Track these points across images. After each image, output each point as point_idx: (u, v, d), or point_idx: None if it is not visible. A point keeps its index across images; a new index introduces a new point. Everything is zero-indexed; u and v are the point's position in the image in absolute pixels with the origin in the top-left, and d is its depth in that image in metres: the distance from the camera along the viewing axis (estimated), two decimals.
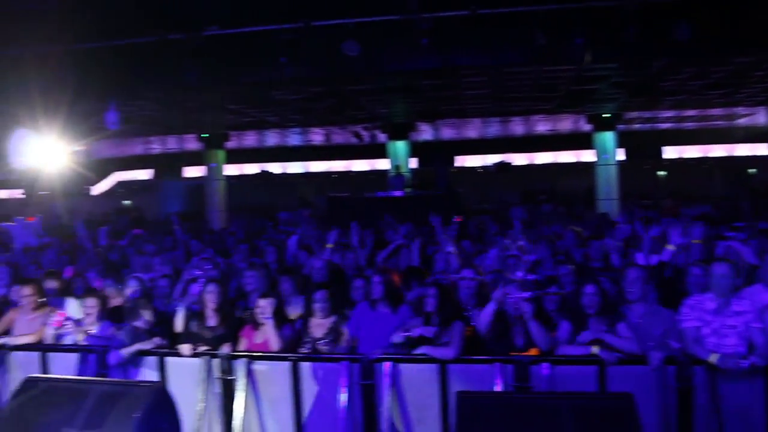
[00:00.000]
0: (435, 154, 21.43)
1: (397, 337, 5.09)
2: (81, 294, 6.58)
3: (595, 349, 4.68)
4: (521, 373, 4.76)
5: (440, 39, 8.42)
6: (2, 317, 6.05)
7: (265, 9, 8.15)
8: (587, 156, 20.08)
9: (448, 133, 21.32)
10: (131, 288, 6.36)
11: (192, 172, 23.64)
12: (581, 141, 19.86)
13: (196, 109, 13.79)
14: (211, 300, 5.56)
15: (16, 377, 5.59)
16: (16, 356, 5.69)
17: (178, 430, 3.72)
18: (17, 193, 28.33)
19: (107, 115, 10.07)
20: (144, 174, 27.03)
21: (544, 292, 5.32)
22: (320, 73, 9.38)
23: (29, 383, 3.80)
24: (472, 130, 20.85)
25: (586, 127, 17.93)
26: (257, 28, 8.31)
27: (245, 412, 5.18)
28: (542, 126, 20.40)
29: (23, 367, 5.62)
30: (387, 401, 4.95)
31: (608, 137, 17.44)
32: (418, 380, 4.99)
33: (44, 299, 6.03)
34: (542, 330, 4.89)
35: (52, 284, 6.53)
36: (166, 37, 8.50)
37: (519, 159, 23.16)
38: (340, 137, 20.97)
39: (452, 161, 23.19)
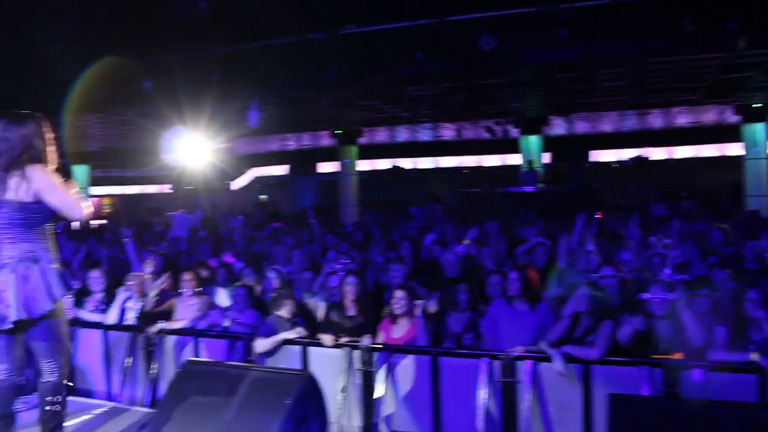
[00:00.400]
0: (569, 149, 20.83)
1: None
2: (226, 283, 6.95)
3: (754, 357, 4.38)
4: (671, 378, 4.54)
5: (578, 30, 8.15)
6: (163, 303, 6.48)
7: (400, 6, 8.23)
8: (733, 149, 18.80)
9: (582, 126, 20.64)
10: (272, 279, 6.60)
11: (326, 167, 24.22)
12: (726, 133, 18.59)
13: (331, 106, 14.14)
14: (350, 292, 5.70)
15: (172, 359, 6.02)
16: (172, 340, 6.07)
17: (324, 418, 3.85)
18: (165, 188, 30.27)
19: (249, 113, 10.54)
20: (280, 170, 28.01)
21: (694, 293, 5.02)
22: (456, 68, 9.35)
23: (189, 365, 4.07)
24: (608, 123, 20.06)
25: (733, 118, 16.77)
26: (393, 25, 8.39)
27: (384, 405, 5.27)
28: (683, 118, 19.30)
29: (178, 350, 6.03)
30: (527, 400, 4.88)
31: (759, 129, 16.23)
32: (560, 380, 4.88)
33: (201, 288, 6.42)
34: (701, 332, 4.63)
35: (203, 273, 6.90)
36: (306, 37, 8.75)
37: (657, 153, 22.04)
38: (470, 132, 20.81)
39: (587, 156, 22.45)
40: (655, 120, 19.63)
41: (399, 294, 5.49)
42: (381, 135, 21.97)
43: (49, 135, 3.50)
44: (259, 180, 29.90)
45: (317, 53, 9.08)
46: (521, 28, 8.50)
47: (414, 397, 5.27)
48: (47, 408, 3.49)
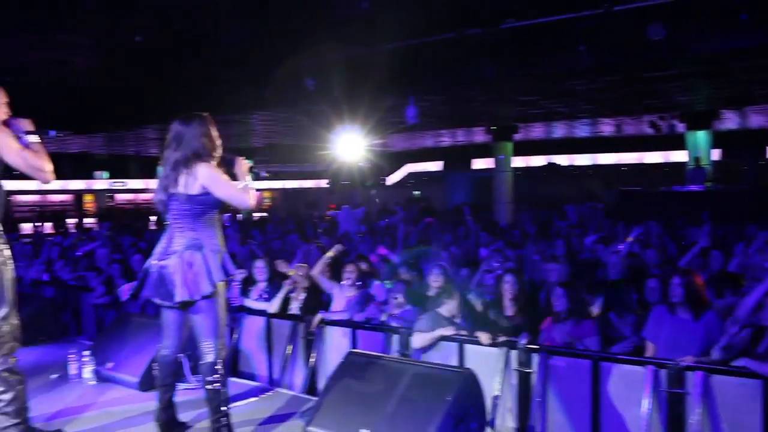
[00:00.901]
0: (742, 145, 19.34)
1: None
2: (386, 277, 7.07)
3: None
4: None
5: (761, 13, 7.47)
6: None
7: None
8: None
9: (757, 120, 19.08)
10: (436, 276, 6.59)
11: (480, 163, 24.09)
12: None
13: (488, 102, 14.01)
14: (509, 290, 5.60)
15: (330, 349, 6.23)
16: (331, 330, 6.27)
17: (483, 416, 3.81)
18: (322, 183, 31.46)
19: (407, 110, 10.67)
20: (434, 166, 28.20)
21: None
22: (621, 61, 8.91)
23: (352, 357, 4.18)
24: None
25: None
26: (555, 17, 8.15)
27: (541, 407, 5.14)
28: None
29: (336, 341, 6.22)
30: (697, 414, 4.57)
31: None
32: (735, 395, 4.52)
33: (361, 281, 6.60)
34: None
35: (363, 267, 7.07)
36: (463, 33, 8.71)
37: None
38: (631, 128, 19.91)
39: (763, 152, 20.73)
40: None
41: (559, 292, 5.33)
42: (537, 131, 21.52)
43: (215, 133, 3.81)
44: (412, 176, 30.31)
45: (476, 49, 9.01)
46: (694, 15, 7.94)
47: (572, 401, 5.09)
48: (208, 387, 3.72)
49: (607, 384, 4.95)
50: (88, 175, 32.15)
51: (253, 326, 6.75)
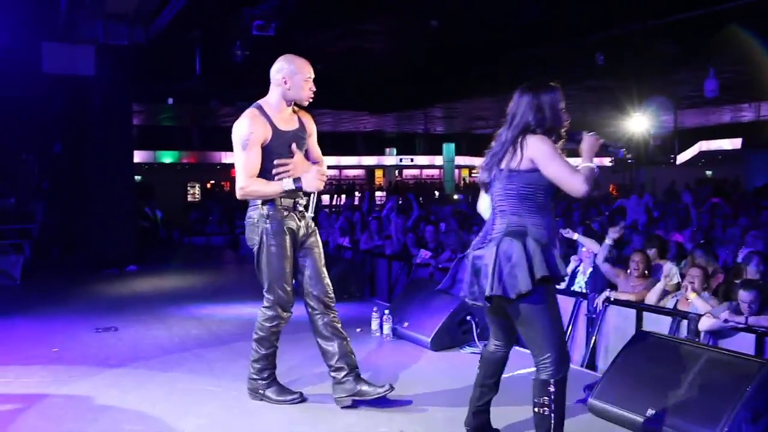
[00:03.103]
0: None
1: None
2: (676, 260, 6.79)
3: None
4: None
5: None
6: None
7: None
8: None
9: None
10: (753, 264, 6.16)
11: None
12: None
13: None
14: None
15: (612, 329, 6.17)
16: (614, 310, 6.21)
17: None
18: (604, 161, 30.38)
19: (706, 83, 9.94)
20: (729, 143, 25.74)
21: None
22: None
23: (642, 335, 4.16)
24: None
25: None
26: None
27: None
28: None
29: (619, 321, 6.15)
30: None
31: None
32: None
33: (648, 269, 6.43)
34: None
35: (651, 250, 6.84)
36: None
37: None
38: None
39: None
40: None
41: None
42: None
43: (559, 104, 3.24)
44: (704, 154, 27.99)
45: None
46: None
47: None
48: (536, 410, 3.10)
49: None
50: (380, 152, 34.63)
51: None
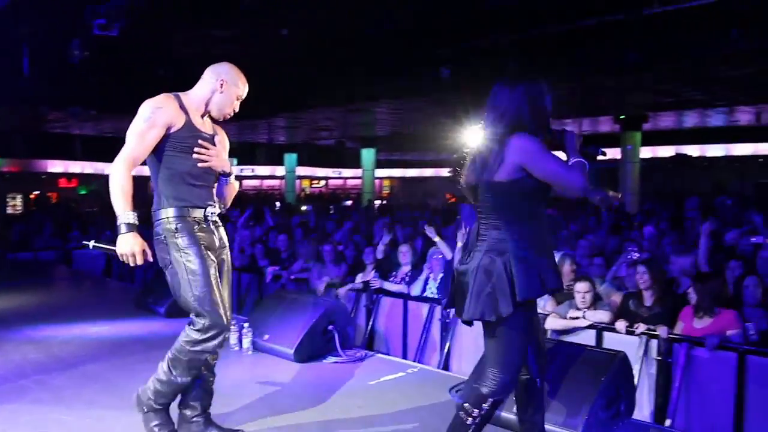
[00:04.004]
0: None
1: None
2: None
3: None
4: None
5: None
6: None
7: None
8: None
9: None
10: (566, 265, 6.64)
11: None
12: None
13: (622, 90, 13.64)
14: (647, 281, 5.61)
15: (465, 332, 6.41)
16: None
17: (632, 399, 3.90)
18: (442, 172, 31.68)
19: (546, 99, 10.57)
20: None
21: None
22: None
23: None
24: None
25: None
26: (705, 1, 7.84)
27: (678, 398, 5.12)
28: None
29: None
30: None
31: None
32: None
33: None
34: None
35: None
36: (606, 19, 8.58)
37: None
38: None
39: None
40: None
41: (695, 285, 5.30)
42: (666, 120, 20.72)
43: (546, 100, 3.02)
44: None
45: (619, 36, 8.84)
46: None
47: (714, 394, 5.05)
48: (461, 414, 3.00)
49: (754, 378, 4.86)
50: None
51: (392, 308, 7.08)
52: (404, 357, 6.77)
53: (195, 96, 3.52)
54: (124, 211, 3.19)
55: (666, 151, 23.62)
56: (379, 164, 28.27)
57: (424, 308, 6.80)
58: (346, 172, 36.88)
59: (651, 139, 21.18)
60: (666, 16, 8.30)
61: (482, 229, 2.96)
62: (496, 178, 2.86)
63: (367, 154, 25.95)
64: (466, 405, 2.98)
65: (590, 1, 8.51)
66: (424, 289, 7.08)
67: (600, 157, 3.05)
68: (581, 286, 5.68)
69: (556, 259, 6.60)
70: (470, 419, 2.95)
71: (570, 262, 6.46)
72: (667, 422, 5.02)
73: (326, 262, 7.89)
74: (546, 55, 9.95)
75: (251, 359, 5.45)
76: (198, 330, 3.32)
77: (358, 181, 32.31)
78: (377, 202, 25.99)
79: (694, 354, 5.12)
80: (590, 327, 5.56)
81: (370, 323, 7.06)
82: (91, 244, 3.48)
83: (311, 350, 5.31)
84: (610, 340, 5.48)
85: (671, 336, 5.20)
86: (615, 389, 3.64)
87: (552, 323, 5.72)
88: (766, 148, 22.99)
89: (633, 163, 18.91)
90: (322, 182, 40.69)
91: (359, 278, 7.61)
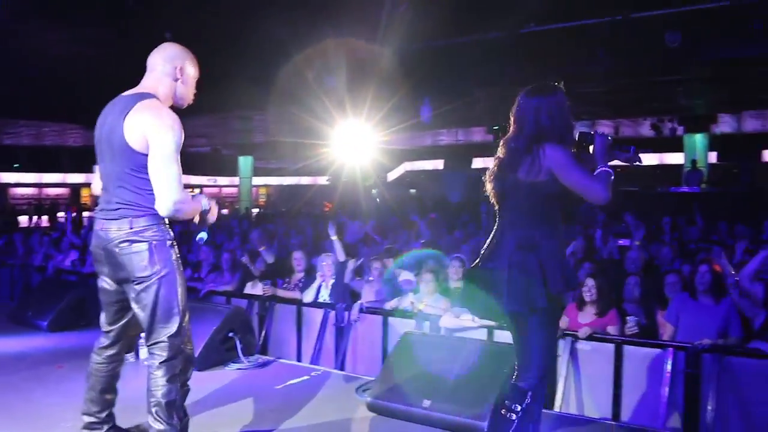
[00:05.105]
0: (737, 148, 19.81)
1: None
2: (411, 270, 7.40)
3: None
4: None
5: None
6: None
7: (583, 4, 8.33)
8: None
9: (752, 124, 19.57)
10: (454, 268, 6.91)
11: (480, 163, 24.35)
12: None
13: (498, 103, 14.24)
14: None
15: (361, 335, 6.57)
16: (360, 318, 6.61)
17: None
18: (320, 179, 31.79)
19: (422, 109, 10.99)
20: (432, 164, 28.40)
21: None
22: (637, 64, 9.30)
23: (408, 336, 4.51)
24: None
25: None
26: (575, 23, 8.50)
27: (565, 389, 5.47)
28: None
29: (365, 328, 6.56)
30: (712, 393, 4.92)
31: None
32: (748, 375, 4.89)
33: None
34: None
35: (389, 259, 7.39)
36: (485, 36, 9.06)
37: None
38: (629, 129, 20.34)
39: (758, 155, 21.22)
40: None
41: (590, 282, 5.69)
42: None
43: (567, 107, 3.12)
44: (409, 174, 30.66)
45: (497, 52, 9.35)
46: (708, 24, 8.34)
47: (595, 382, 5.44)
48: (502, 411, 3.07)
49: (630, 365, 5.29)
50: (89, 169, 32.10)
51: (286, 313, 7.10)
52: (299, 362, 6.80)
53: (163, 95, 3.27)
54: (200, 201, 3.29)
55: None
56: (256, 172, 27.97)
57: (318, 313, 6.88)
58: (222, 180, 36.12)
59: None
60: (541, 34, 8.89)
61: (510, 228, 3.07)
62: (528, 179, 2.98)
63: (245, 162, 25.61)
64: (507, 403, 3.06)
65: (472, 20, 8.94)
66: (317, 296, 7.14)
67: (636, 163, 3.20)
68: None
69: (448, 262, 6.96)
70: (514, 415, 3.02)
71: (460, 265, 6.73)
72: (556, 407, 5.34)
73: (224, 270, 7.78)
74: (427, 68, 10.32)
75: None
76: (167, 360, 3.19)
77: (233, 190, 31.80)
78: (254, 211, 25.68)
79: (577, 347, 5.49)
80: (484, 326, 5.80)
81: (264, 330, 7.04)
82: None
83: (213, 358, 5.26)
84: (500, 337, 5.78)
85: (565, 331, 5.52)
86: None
87: (446, 323, 5.91)
88: None
89: None
90: (197, 190, 39.69)
91: (248, 287, 7.58)
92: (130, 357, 5.41)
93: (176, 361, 3.18)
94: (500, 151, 3.17)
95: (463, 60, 9.89)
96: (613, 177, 2.97)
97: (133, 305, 3.21)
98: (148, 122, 3.06)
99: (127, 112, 3.11)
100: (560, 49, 9.26)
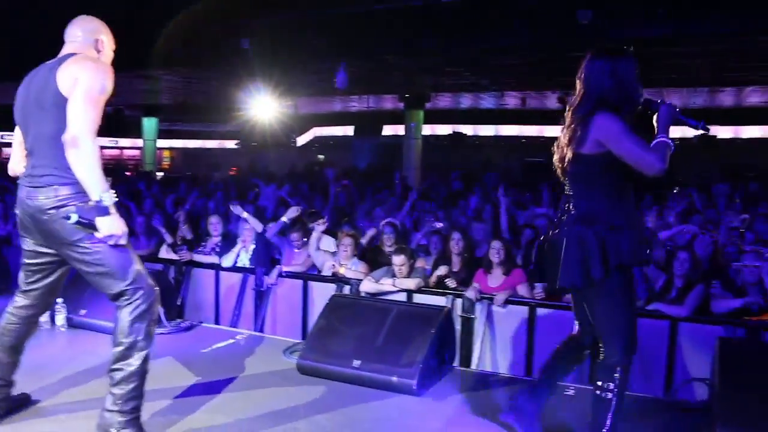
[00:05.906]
0: None
1: None
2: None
3: None
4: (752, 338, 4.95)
5: (675, 8, 8.37)
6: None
7: None
8: None
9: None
10: (386, 234, 7.04)
11: (389, 130, 24.45)
12: None
13: (412, 71, 14.36)
14: (457, 247, 6.21)
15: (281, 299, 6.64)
16: (282, 282, 6.66)
17: (454, 348, 4.38)
18: (227, 144, 31.14)
19: (338, 75, 10.96)
20: (342, 131, 28.31)
21: None
22: (552, 40, 9.59)
23: (337, 299, 4.61)
24: (677, 100, 19.99)
25: None
26: None
27: (481, 349, 5.75)
28: (755, 98, 19.15)
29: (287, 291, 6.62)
30: None
31: None
32: (648, 336, 5.28)
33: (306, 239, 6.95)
34: None
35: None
36: (405, 4, 9.12)
37: (724, 132, 21.87)
38: (535, 101, 20.95)
39: None
40: (726, 98, 19.52)
41: (496, 245, 5.95)
42: (444, 101, 22.17)
43: (636, 73, 2.97)
44: (318, 139, 30.49)
45: (417, 20, 9.42)
46: (620, 4, 8.75)
47: (509, 342, 5.74)
48: (597, 393, 3.01)
49: (542, 325, 5.60)
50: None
51: (204, 278, 7.06)
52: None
53: None
54: (108, 190, 3.00)
55: (444, 130, 25.26)
56: (161, 134, 27.01)
57: (237, 278, 6.88)
58: (124, 142, 34.73)
59: (431, 118, 22.51)
60: (460, 4, 9.05)
61: (572, 199, 3.01)
62: (584, 151, 2.90)
63: (149, 123, 24.69)
64: (599, 383, 2.99)
65: None
66: (236, 261, 7.12)
67: (700, 131, 3.07)
68: (398, 260, 5.99)
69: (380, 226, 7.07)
70: (610, 394, 2.96)
71: (392, 231, 6.86)
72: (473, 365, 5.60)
73: (138, 235, 7.59)
74: (345, 34, 10.30)
75: (66, 336, 5.19)
76: (133, 301, 3.24)
77: (135, 152, 30.70)
78: (159, 174, 24.91)
79: (492, 309, 5.77)
80: (402, 291, 5.98)
81: (180, 295, 6.98)
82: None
83: None
84: (420, 300, 5.97)
85: (483, 296, 5.75)
86: (442, 340, 4.07)
87: (366, 287, 6.04)
88: (530, 130, 25.49)
89: (416, 139, 19.96)
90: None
91: (163, 251, 7.47)
92: (45, 324, 5.29)
93: (138, 307, 3.22)
94: (566, 119, 3.06)
95: (379, 27, 9.92)
96: (673, 149, 2.84)
97: (76, 265, 3.18)
98: (80, 67, 3.01)
99: (59, 66, 3.04)
100: (476, 20, 9.43)
